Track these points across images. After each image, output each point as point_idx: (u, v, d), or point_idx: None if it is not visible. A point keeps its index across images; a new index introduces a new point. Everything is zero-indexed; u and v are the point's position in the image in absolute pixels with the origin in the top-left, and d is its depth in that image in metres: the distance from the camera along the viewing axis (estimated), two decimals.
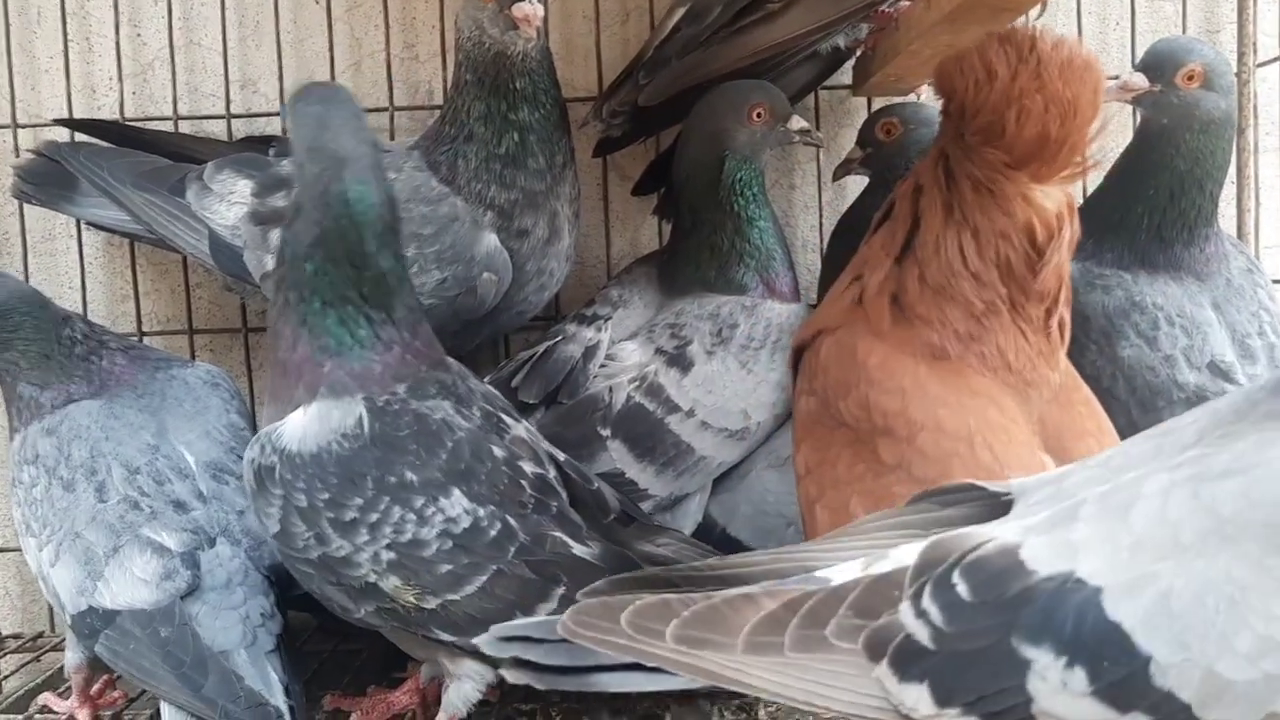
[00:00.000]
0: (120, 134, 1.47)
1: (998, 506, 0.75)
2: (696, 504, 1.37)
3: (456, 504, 1.04)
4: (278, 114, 1.58)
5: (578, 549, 1.07)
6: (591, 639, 0.72)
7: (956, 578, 0.67)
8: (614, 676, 0.81)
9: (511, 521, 1.06)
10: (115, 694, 1.30)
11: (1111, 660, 0.61)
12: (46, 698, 1.29)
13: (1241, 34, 1.51)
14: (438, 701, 1.14)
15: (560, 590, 1.05)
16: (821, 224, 1.59)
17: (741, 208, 1.36)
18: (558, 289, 1.43)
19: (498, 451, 1.09)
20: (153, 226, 1.36)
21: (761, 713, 1.26)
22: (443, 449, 1.06)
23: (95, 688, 1.28)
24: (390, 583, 1.04)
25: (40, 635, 1.60)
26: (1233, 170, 1.45)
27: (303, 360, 1.06)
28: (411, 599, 1.04)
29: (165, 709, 1.09)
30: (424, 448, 1.05)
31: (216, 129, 1.57)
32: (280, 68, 1.58)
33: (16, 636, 1.60)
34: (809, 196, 1.61)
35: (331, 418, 1.05)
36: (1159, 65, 1.28)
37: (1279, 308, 1.33)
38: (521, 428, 1.16)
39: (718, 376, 1.32)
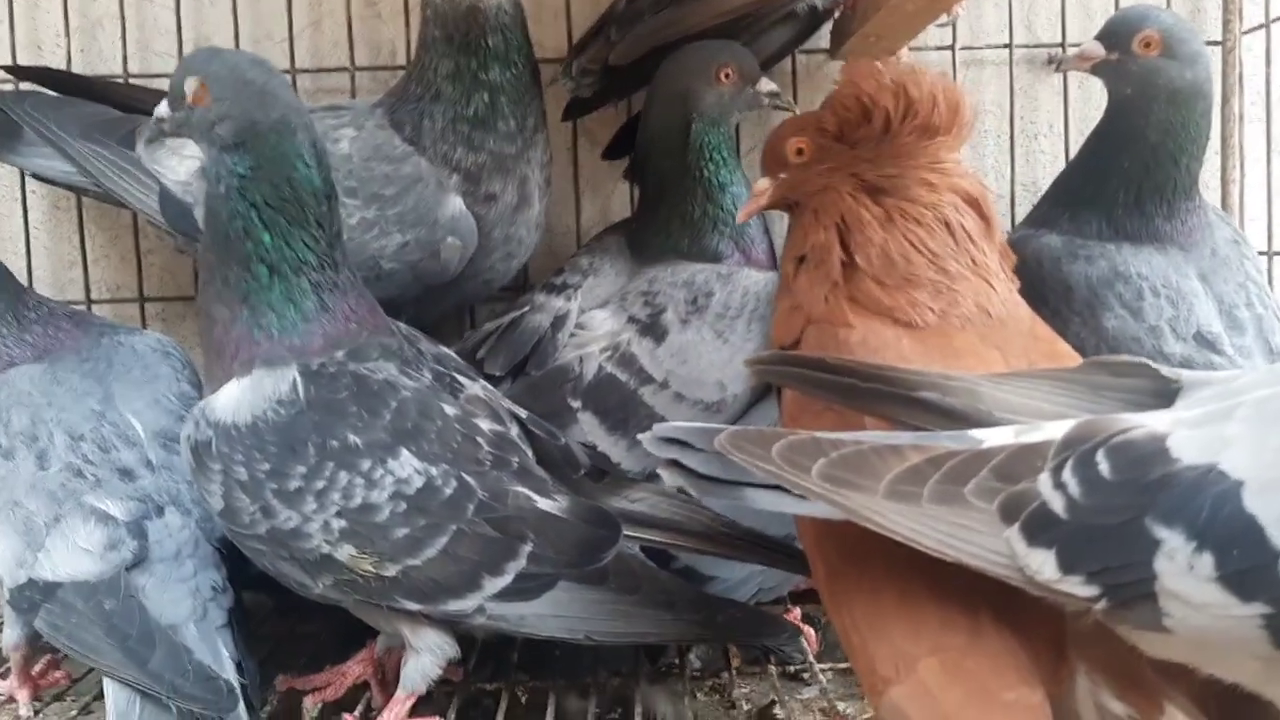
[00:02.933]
0: (69, 83, 1.40)
1: (1163, 394, 0.79)
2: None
3: (406, 464, 1.00)
4: None
5: (543, 503, 1.03)
6: (743, 460, 0.77)
7: (1100, 456, 0.70)
8: (762, 494, 0.79)
9: (468, 479, 1.01)
10: (58, 674, 1.25)
11: (1242, 550, 0.64)
12: None
13: (1227, 1, 1.48)
14: (396, 674, 1.09)
15: (528, 547, 1.01)
16: None
17: (711, 173, 1.32)
18: (527, 258, 1.38)
19: (449, 410, 1.04)
20: (100, 180, 1.30)
21: (735, 693, 1.23)
22: (386, 409, 1.02)
23: (37, 668, 1.23)
24: (345, 552, 0.99)
25: None
26: (1217, 140, 1.45)
27: (240, 338, 1.02)
28: (370, 567, 0.99)
29: (109, 687, 1.03)
30: (366, 409, 1.01)
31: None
32: (236, 26, 1.52)
33: None
34: None
35: (264, 386, 1.01)
36: (1115, 33, 1.27)
37: (1265, 279, 1.32)
38: (479, 386, 1.11)
39: (692, 346, 1.28)
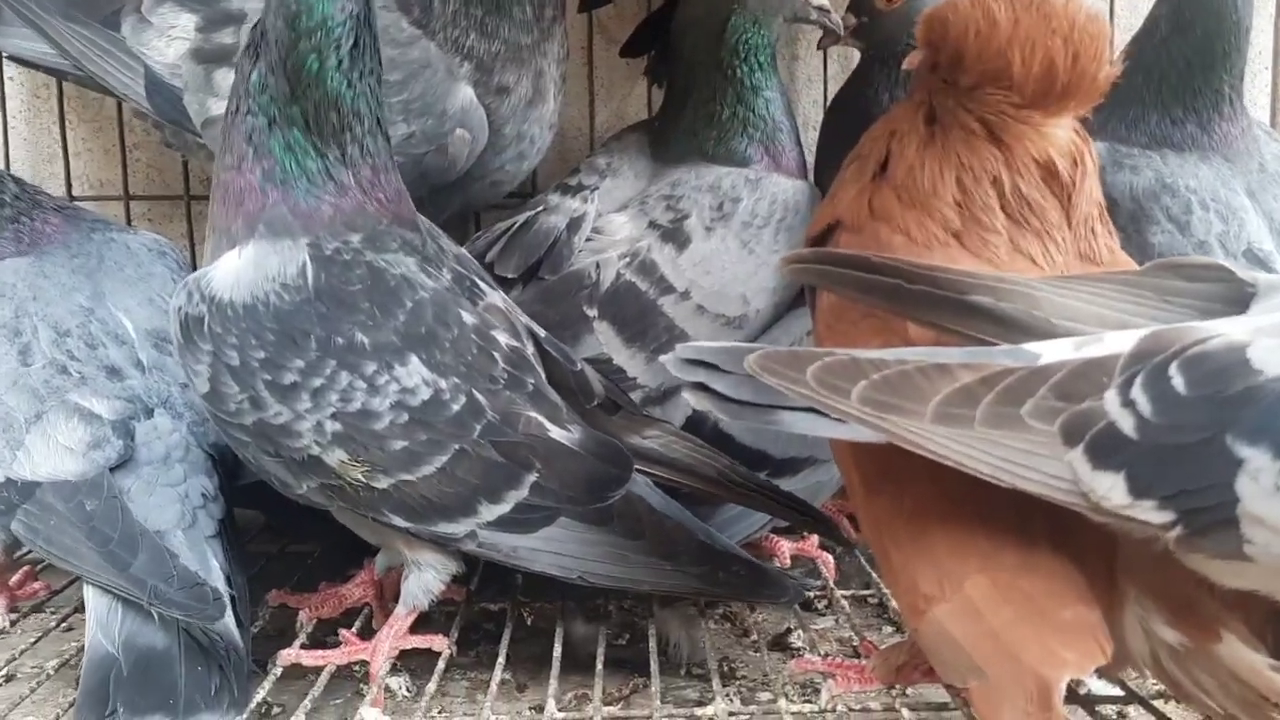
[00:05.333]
0: None
1: (1237, 299, 0.74)
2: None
3: (415, 373, 0.93)
4: None
5: (555, 432, 0.97)
6: (776, 383, 0.72)
7: (1174, 370, 0.65)
8: (798, 418, 0.74)
9: (479, 397, 0.94)
10: (36, 585, 1.20)
11: None
12: None
13: None
14: (396, 596, 1.03)
15: (533, 477, 0.95)
16: (825, 99, 1.49)
17: (745, 74, 1.24)
18: (538, 160, 1.30)
19: (467, 318, 0.97)
20: (81, 63, 1.22)
21: (749, 620, 1.17)
22: (400, 309, 0.94)
23: (15, 578, 1.19)
24: (335, 456, 0.93)
25: None
26: (1270, 55, 1.39)
27: (246, 185, 0.95)
28: (360, 476, 0.93)
29: (89, 594, 0.97)
30: (378, 306, 0.94)
31: None
32: None
33: None
34: (813, 69, 1.51)
35: (269, 264, 0.94)
36: None
37: None
38: (498, 296, 1.05)
39: (717, 256, 1.21)
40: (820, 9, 1.24)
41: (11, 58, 1.31)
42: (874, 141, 0.96)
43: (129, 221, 1.45)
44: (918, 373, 0.71)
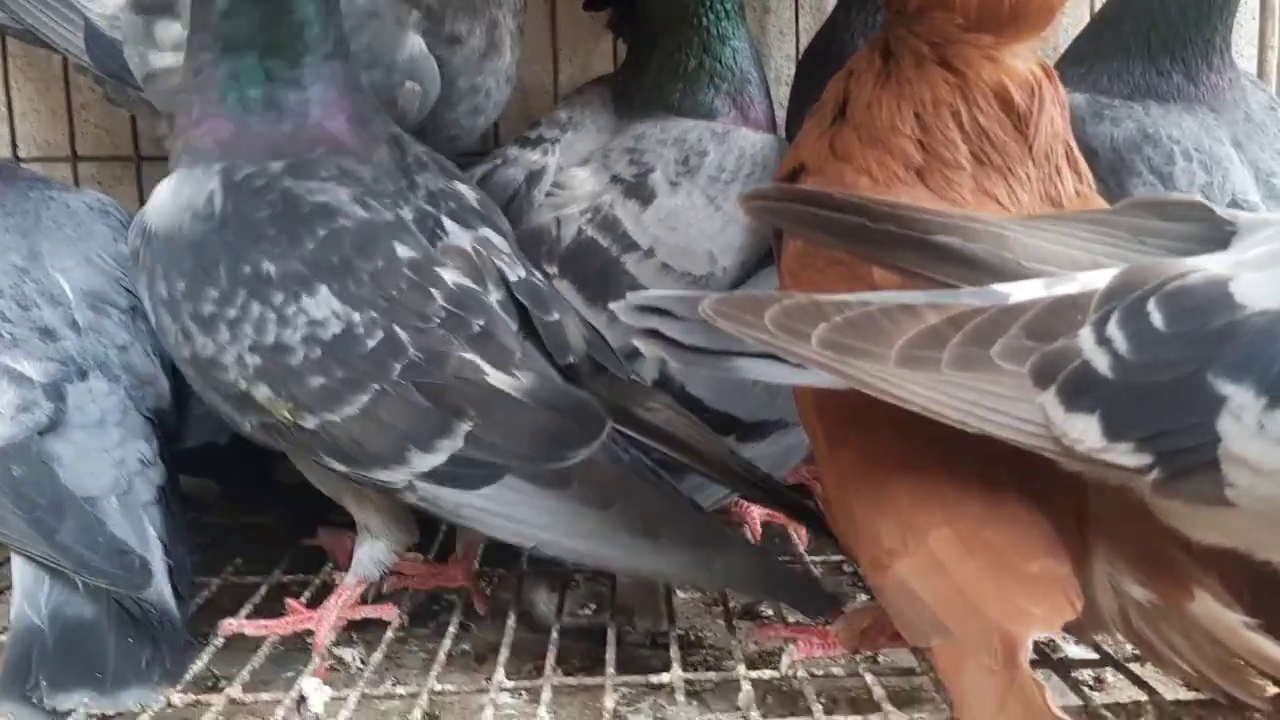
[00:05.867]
0: None
1: (1216, 239, 0.72)
2: (651, 360, 1.21)
3: (323, 304, 0.88)
4: None
5: (495, 377, 0.88)
6: (732, 329, 0.70)
7: (1151, 306, 0.64)
8: (755, 364, 0.72)
9: (399, 333, 0.88)
10: None
11: None
12: None
13: None
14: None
15: (466, 426, 0.86)
16: (798, 53, 1.46)
17: (712, 21, 1.21)
18: (496, 116, 1.26)
19: (402, 251, 0.91)
20: (19, 15, 1.19)
21: (733, 604, 1.13)
22: (310, 237, 0.90)
23: None
24: (262, 393, 0.89)
25: None
26: (1256, 5, 1.40)
27: (185, 116, 0.94)
28: (287, 414, 0.88)
29: (16, 563, 0.93)
30: (285, 233, 0.90)
31: None
32: None
33: None
34: (784, 21, 1.48)
35: (183, 192, 0.92)
36: None
37: None
38: (470, 238, 0.97)
39: (682, 212, 1.17)
40: None
41: None
42: (834, 84, 0.94)
43: (76, 181, 1.41)
44: (881, 314, 0.69)
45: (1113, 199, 1.12)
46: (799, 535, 1.19)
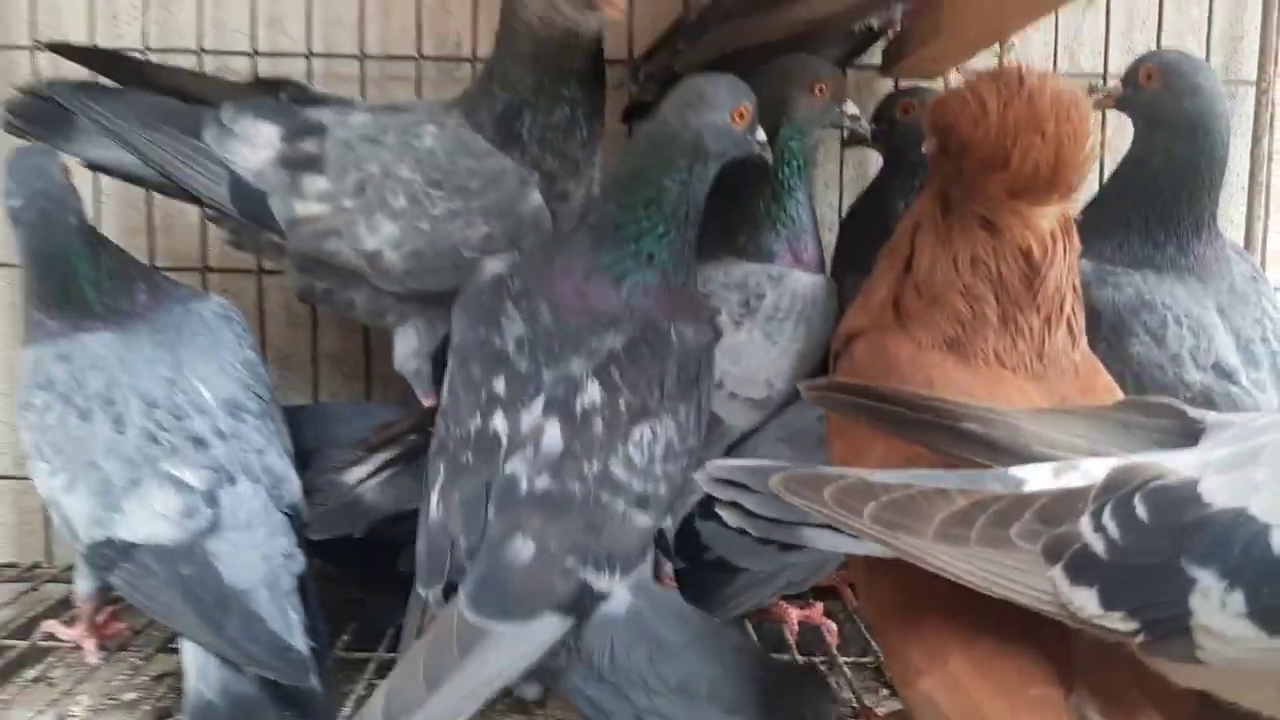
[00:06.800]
0: (112, 63, 1.38)
1: (1189, 433, 0.83)
2: None
3: None
4: (303, 55, 1.58)
5: None
6: (799, 503, 0.80)
7: (1137, 501, 0.74)
8: (819, 534, 0.82)
9: None
10: (120, 625, 1.30)
11: (1270, 589, 0.69)
12: (51, 625, 1.29)
13: (1264, 42, 1.54)
14: None
15: None
16: (841, 202, 1.61)
17: (786, 177, 1.35)
18: None
19: None
20: (165, 168, 1.30)
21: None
22: None
23: (100, 618, 1.28)
24: None
25: (36, 566, 1.60)
26: (1245, 177, 1.50)
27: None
28: None
29: (187, 647, 1.07)
30: None
31: (241, 66, 1.56)
32: (309, 8, 1.57)
33: (11, 565, 1.60)
34: (829, 174, 1.62)
35: None
36: (1129, 68, 1.35)
37: None
38: None
39: (744, 347, 1.32)
40: (852, 117, 1.38)
41: (91, 165, 1.35)
42: (902, 234, 1.02)
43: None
44: (921, 496, 0.80)
45: (1113, 355, 1.29)
46: (830, 636, 1.34)
